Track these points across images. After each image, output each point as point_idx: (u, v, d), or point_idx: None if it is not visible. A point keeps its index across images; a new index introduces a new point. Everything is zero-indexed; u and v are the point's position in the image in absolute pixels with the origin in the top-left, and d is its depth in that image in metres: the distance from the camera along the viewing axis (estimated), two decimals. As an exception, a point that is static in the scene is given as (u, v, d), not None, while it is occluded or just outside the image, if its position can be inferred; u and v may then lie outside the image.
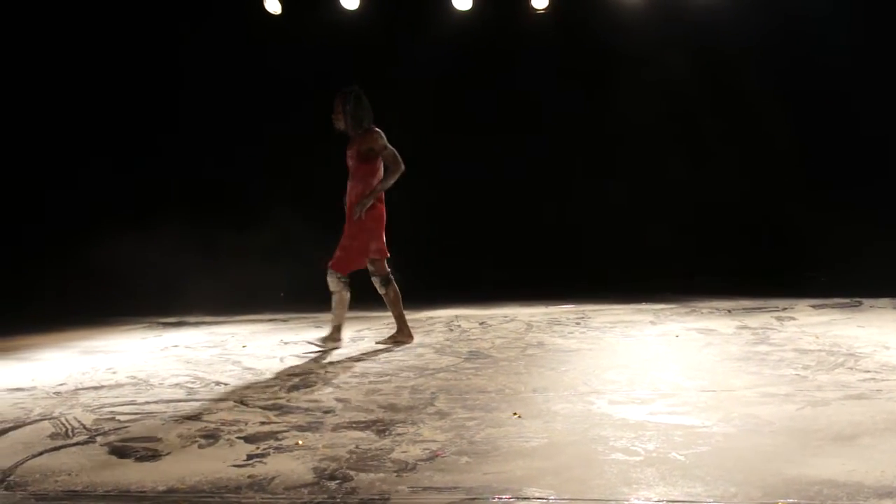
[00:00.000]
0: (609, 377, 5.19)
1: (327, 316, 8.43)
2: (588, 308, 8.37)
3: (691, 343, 6.28)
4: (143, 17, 10.48)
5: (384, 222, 6.77)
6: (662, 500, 3.10)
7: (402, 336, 6.90)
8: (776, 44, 9.49)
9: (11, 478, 3.70)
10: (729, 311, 7.72)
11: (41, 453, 4.07)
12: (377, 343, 6.87)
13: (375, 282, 6.82)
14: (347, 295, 6.77)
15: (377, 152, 6.65)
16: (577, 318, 7.77)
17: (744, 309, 7.82)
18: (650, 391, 4.77)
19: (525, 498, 3.18)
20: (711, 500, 3.07)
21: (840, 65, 9.25)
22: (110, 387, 5.64)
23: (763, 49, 9.52)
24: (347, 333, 7.46)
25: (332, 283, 6.73)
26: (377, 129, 6.70)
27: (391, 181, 6.65)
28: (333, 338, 6.80)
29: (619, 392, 4.78)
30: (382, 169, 6.69)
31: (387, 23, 10.14)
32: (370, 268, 6.78)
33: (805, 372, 5.09)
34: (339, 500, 3.25)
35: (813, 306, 7.74)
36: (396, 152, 6.67)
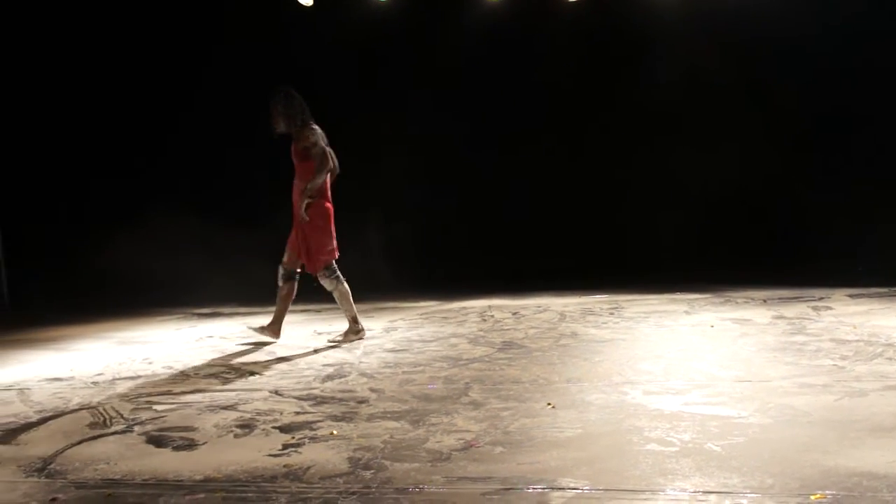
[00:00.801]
0: (643, 367, 5.17)
1: (359, 307, 8.47)
2: (621, 298, 8.32)
3: (726, 333, 6.23)
4: (175, 10, 10.54)
5: (332, 218, 6.71)
6: (698, 491, 3.08)
7: (353, 333, 6.82)
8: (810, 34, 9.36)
9: (52, 466, 3.76)
10: (764, 301, 7.64)
11: (80, 442, 4.13)
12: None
13: (279, 274, 6.79)
14: (346, 286, 6.74)
15: (308, 150, 6.60)
16: (611, 308, 7.73)
17: (779, 298, 7.74)
18: (685, 381, 4.74)
19: (559, 488, 3.17)
20: (748, 492, 3.04)
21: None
22: (147, 377, 5.70)
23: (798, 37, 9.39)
24: (381, 324, 7.50)
25: (326, 283, 6.70)
26: (313, 125, 6.64)
27: (318, 180, 6.55)
28: (353, 330, 6.79)
29: (653, 382, 4.76)
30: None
31: (418, 13, 10.11)
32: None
33: (843, 362, 5.03)
34: (374, 489, 3.26)
35: (850, 296, 7.65)
36: (328, 151, 6.63)
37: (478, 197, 10.36)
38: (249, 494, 3.27)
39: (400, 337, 6.79)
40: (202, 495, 3.30)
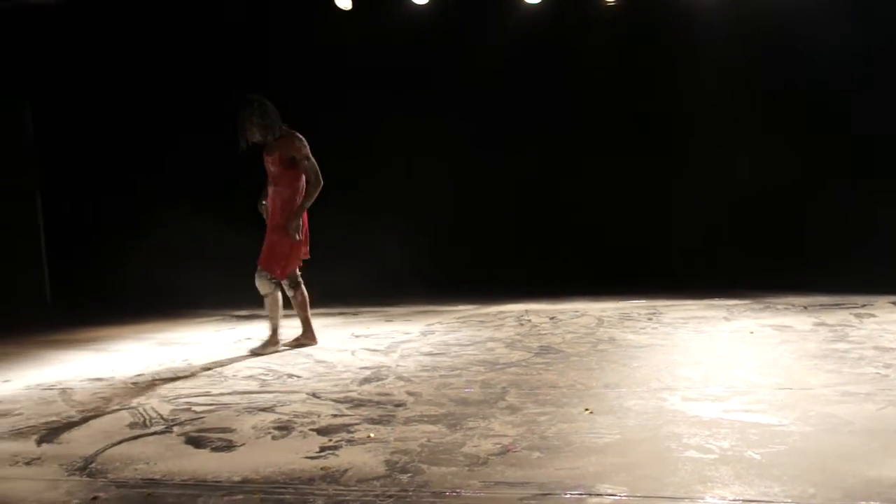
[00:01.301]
0: (682, 374, 5.13)
1: (397, 310, 8.53)
2: (659, 303, 8.27)
3: (766, 340, 6.16)
4: (215, 13, 10.65)
5: (305, 227, 6.72)
6: (738, 500, 3.05)
7: (305, 338, 6.82)
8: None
9: (93, 465, 3.81)
10: (805, 308, 7.55)
11: (120, 442, 4.18)
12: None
13: (284, 284, 6.70)
14: (279, 295, 6.66)
15: (298, 161, 6.57)
16: (649, 314, 7.68)
17: (820, 305, 7.65)
18: (724, 388, 4.69)
19: (597, 494, 3.15)
20: (789, 501, 3.01)
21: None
22: (186, 378, 5.76)
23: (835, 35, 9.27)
24: (418, 327, 7.51)
25: (264, 285, 6.61)
26: (299, 135, 6.61)
27: (313, 198, 6.57)
28: (273, 341, 6.68)
29: (692, 389, 4.72)
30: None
31: (456, 16, 10.11)
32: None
33: (886, 370, 4.95)
34: (410, 493, 3.26)
35: (893, 303, 7.54)
36: (316, 165, 6.58)
37: (513, 199, 10.34)
38: (287, 496, 3.29)
39: (437, 340, 6.80)
40: (240, 496, 3.32)
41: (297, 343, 6.81)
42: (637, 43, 9.95)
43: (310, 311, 6.82)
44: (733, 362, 5.39)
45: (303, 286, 6.76)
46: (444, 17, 10.01)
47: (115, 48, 10.93)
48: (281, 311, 6.72)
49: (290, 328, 6.95)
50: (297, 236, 6.54)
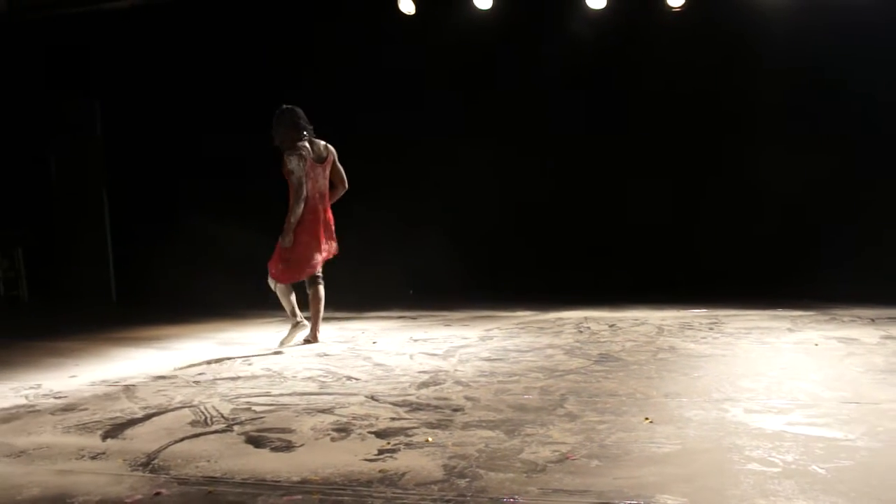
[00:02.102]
0: (744, 385, 5.04)
1: (455, 315, 8.54)
2: (721, 312, 8.14)
3: (831, 352, 6.03)
4: (277, 14, 10.79)
5: (316, 229, 7.11)
6: (802, 515, 2.99)
7: (310, 334, 7.25)
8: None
9: (156, 461, 3.87)
10: (872, 321, 7.38)
11: (182, 439, 4.24)
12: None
13: (305, 281, 7.21)
14: (287, 287, 7.20)
15: (287, 176, 7.04)
16: (710, 323, 7.57)
17: (889, 318, 7.46)
18: (788, 401, 4.61)
19: (657, 505, 3.12)
20: (855, 517, 2.94)
21: None
22: (246, 378, 5.82)
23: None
24: (476, 332, 7.51)
25: (269, 282, 7.23)
26: (302, 148, 7.03)
27: (294, 212, 6.99)
28: (296, 326, 7.24)
29: (754, 400, 4.64)
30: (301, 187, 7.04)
31: (520, 21, 10.11)
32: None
33: (957, 386, 4.82)
34: (468, 498, 3.26)
35: (965, 317, 7.35)
36: (301, 180, 6.99)
37: (573, 204, 10.29)
38: (345, 498, 3.31)
39: (496, 346, 6.78)
40: (299, 497, 3.34)
41: (304, 339, 7.24)
42: (703, 46, 9.81)
43: (321, 311, 7.28)
44: (797, 374, 5.29)
45: (319, 286, 7.22)
46: (507, 21, 10.02)
47: (183, 47, 11.13)
48: (292, 299, 7.23)
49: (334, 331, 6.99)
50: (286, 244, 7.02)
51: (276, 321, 8.83)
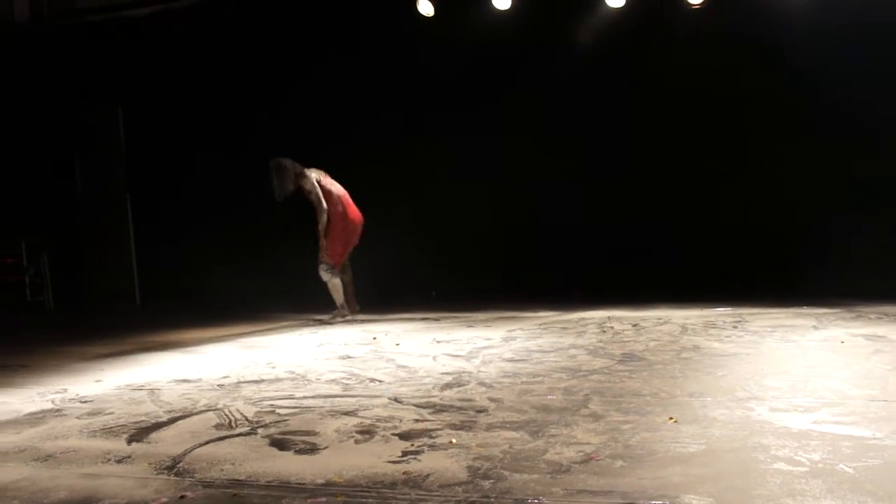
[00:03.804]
0: (769, 383, 5.01)
1: (478, 316, 8.55)
2: (745, 311, 8.10)
3: (858, 350, 5.98)
4: (296, 18, 10.84)
5: (344, 231, 8.85)
6: (830, 514, 2.96)
7: (331, 316, 8.98)
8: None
9: (181, 464, 3.88)
10: (899, 317, 7.32)
11: (207, 442, 4.25)
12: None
13: (322, 270, 8.86)
14: (339, 281, 8.90)
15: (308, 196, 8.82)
16: (734, 322, 7.53)
17: (916, 315, 7.40)
18: (814, 399, 4.57)
19: (683, 505, 3.10)
20: (884, 516, 2.91)
21: None
22: (270, 381, 5.84)
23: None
24: (499, 333, 7.50)
25: (325, 275, 8.81)
26: (305, 177, 8.73)
27: (321, 221, 8.75)
28: (340, 313, 8.97)
29: (780, 399, 4.60)
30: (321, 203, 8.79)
31: (539, 22, 10.10)
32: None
33: None
34: (492, 499, 3.25)
35: None
36: (319, 196, 8.73)
37: (596, 206, 10.26)
38: (369, 500, 3.30)
39: (518, 347, 6.77)
40: (323, 499, 3.34)
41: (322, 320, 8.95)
42: (723, 45, 9.76)
43: (340, 298, 8.97)
44: (823, 372, 5.24)
45: (338, 276, 8.90)
46: (526, 22, 10.01)
47: (204, 53, 11.20)
48: (342, 293, 8.97)
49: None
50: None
51: (298, 324, 8.88)
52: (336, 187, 8.89)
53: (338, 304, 8.98)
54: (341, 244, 8.83)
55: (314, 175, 8.78)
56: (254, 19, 10.98)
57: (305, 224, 9.14)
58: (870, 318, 7.36)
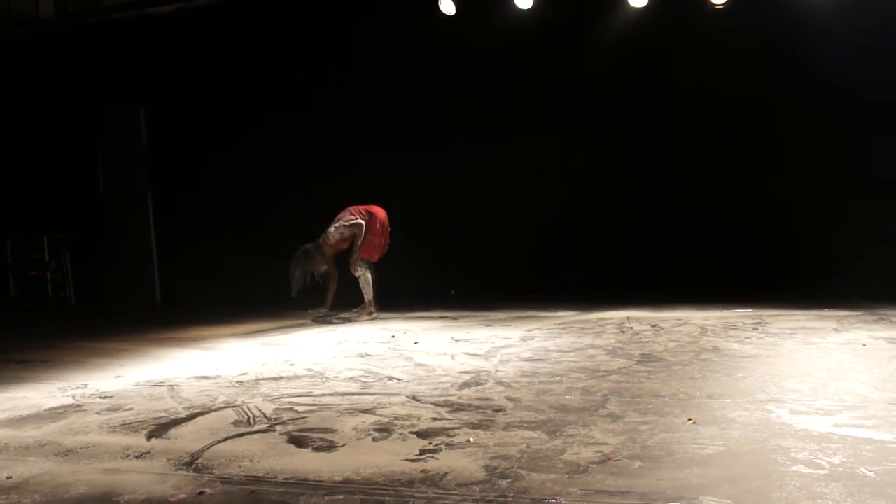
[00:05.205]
0: (789, 385, 4.97)
1: (497, 315, 8.55)
2: (765, 313, 8.05)
3: (880, 353, 5.93)
4: (319, 15, 10.86)
5: (375, 236, 9.12)
6: (850, 517, 2.94)
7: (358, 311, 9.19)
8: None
9: (199, 460, 3.90)
10: (921, 320, 7.25)
11: (225, 439, 4.27)
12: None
13: (354, 266, 9.12)
14: (370, 276, 9.10)
15: (344, 238, 9.18)
16: (755, 323, 7.49)
17: (938, 318, 7.33)
18: (835, 402, 4.54)
19: (701, 507, 3.08)
20: (904, 520, 2.89)
21: None
22: (288, 378, 5.85)
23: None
24: (518, 332, 7.50)
25: (357, 271, 9.04)
26: (328, 239, 9.07)
27: (358, 243, 9.09)
28: (366, 311, 9.08)
29: (800, 401, 4.57)
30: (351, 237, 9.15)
31: (561, 21, 10.07)
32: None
33: None
34: (510, 498, 3.24)
35: None
36: (363, 231, 9.05)
37: (616, 206, 10.23)
38: (387, 498, 3.31)
39: (537, 346, 6.76)
40: (341, 496, 3.35)
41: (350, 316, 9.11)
42: (746, 44, 9.70)
43: (370, 293, 9.09)
44: (844, 375, 5.20)
45: (370, 270, 9.12)
46: (548, 20, 9.99)
47: (226, 52, 11.23)
48: (372, 288, 9.11)
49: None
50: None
51: (314, 322, 8.89)
52: (355, 212, 9.13)
53: (366, 300, 9.10)
54: (378, 237, 9.10)
55: (332, 230, 9.05)
56: (278, 17, 11.01)
57: (327, 224, 9.19)
58: (892, 321, 7.30)
